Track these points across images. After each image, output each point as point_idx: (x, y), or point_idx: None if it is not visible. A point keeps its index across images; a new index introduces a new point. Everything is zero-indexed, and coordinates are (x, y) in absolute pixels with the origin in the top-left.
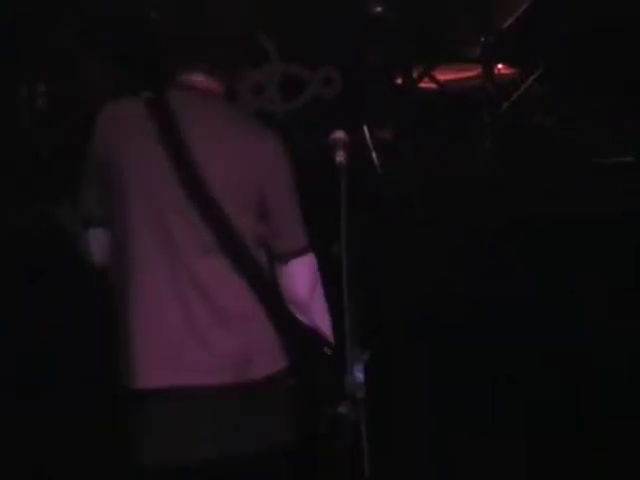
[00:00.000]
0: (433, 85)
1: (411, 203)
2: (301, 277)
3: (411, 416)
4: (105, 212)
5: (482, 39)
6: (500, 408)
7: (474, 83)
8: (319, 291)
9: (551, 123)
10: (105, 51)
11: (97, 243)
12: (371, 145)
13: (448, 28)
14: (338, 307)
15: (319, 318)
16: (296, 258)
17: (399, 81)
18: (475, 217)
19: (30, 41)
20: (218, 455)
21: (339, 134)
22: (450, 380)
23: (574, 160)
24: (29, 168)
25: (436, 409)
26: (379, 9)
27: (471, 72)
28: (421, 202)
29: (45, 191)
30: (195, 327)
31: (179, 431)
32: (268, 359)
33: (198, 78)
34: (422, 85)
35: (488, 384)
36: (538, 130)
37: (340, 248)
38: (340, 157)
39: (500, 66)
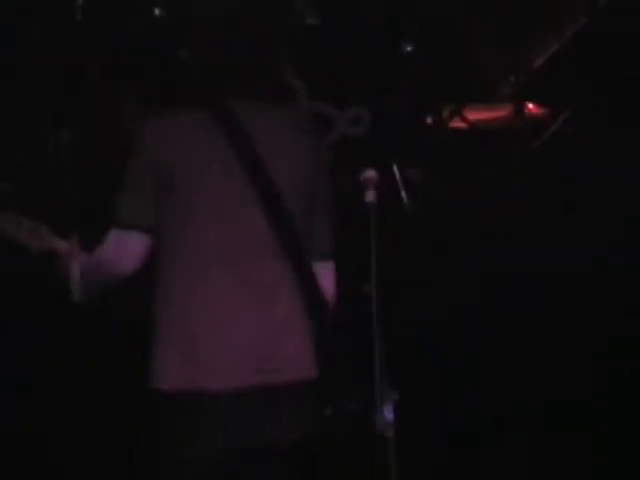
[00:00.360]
0: (464, 124)
1: (441, 242)
2: (325, 279)
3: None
4: (153, 219)
5: (513, 78)
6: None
7: (505, 122)
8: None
9: (580, 163)
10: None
11: (128, 249)
12: (401, 184)
13: (479, 67)
14: (368, 346)
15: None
16: (323, 261)
17: (429, 120)
18: (505, 256)
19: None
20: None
21: (369, 173)
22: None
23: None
24: (59, 216)
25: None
26: (409, 48)
27: (502, 111)
28: (451, 241)
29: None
30: (259, 329)
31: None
32: (310, 361)
33: None
34: (453, 124)
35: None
36: (569, 169)
37: (370, 288)
38: (370, 196)
39: (531, 106)
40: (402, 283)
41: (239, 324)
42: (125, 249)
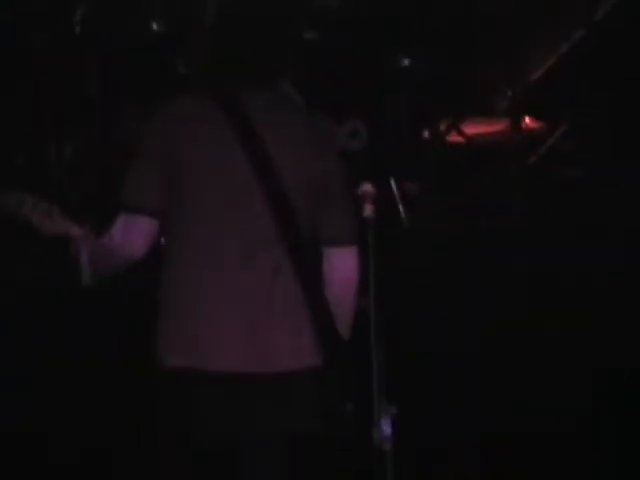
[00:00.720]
0: (461, 138)
1: (438, 256)
2: (343, 267)
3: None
4: (161, 203)
5: (510, 92)
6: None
7: (502, 137)
8: (354, 291)
9: (578, 177)
10: (131, 98)
11: (137, 232)
12: (399, 198)
13: (476, 81)
14: (366, 360)
15: (343, 317)
16: (342, 247)
17: (427, 134)
18: (502, 269)
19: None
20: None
21: (366, 187)
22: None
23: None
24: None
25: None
26: (407, 62)
27: (499, 126)
28: (448, 255)
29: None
30: (257, 316)
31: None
32: (307, 352)
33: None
34: (450, 138)
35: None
36: (565, 184)
37: (368, 302)
38: (367, 210)
39: (527, 119)
40: (400, 297)
41: (238, 310)
42: (133, 232)
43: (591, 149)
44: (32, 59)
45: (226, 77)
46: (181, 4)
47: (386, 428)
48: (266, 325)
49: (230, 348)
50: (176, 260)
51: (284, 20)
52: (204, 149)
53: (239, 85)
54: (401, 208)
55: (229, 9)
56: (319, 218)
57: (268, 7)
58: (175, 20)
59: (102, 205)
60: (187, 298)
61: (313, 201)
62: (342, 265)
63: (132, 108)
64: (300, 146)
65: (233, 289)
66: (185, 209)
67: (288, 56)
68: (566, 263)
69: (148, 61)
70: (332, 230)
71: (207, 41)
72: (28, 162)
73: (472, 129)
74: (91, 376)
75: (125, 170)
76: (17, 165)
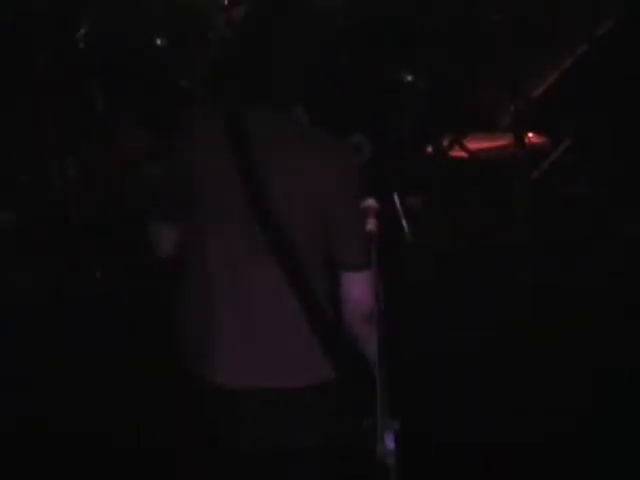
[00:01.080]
0: (464, 154)
1: (441, 270)
2: (353, 292)
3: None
4: (178, 212)
5: (513, 108)
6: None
7: (505, 152)
8: (363, 316)
9: (582, 192)
10: (137, 114)
11: (163, 236)
12: (401, 213)
13: (479, 96)
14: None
15: (363, 341)
16: (352, 271)
17: (430, 149)
18: (506, 284)
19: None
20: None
21: (369, 202)
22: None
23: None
24: (61, 235)
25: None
26: (410, 77)
27: (502, 141)
28: (450, 269)
29: (77, 257)
30: (262, 332)
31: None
32: (308, 368)
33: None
34: (454, 153)
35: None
36: (569, 199)
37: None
38: (370, 225)
39: (531, 135)
40: (403, 311)
41: (242, 326)
42: (156, 240)
43: (594, 164)
44: (34, 75)
45: (233, 92)
46: (183, 19)
47: (389, 443)
48: (272, 340)
49: (228, 362)
50: (188, 274)
51: (304, 46)
52: (205, 167)
53: (244, 101)
54: (404, 223)
55: (252, 27)
56: (327, 240)
57: (290, 31)
58: (177, 35)
59: (105, 221)
60: (192, 307)
61: (316, 220)
62: (350, 289)
63: (135, 123)
64: (299, 164)
65: (236, 307)
66: (194, 226)
67: (301, 81)
68: (567, 275)
69: (151, 75)
70: (338, 254)
71: (219, 55)
72: (31, 179)
73: (475, 144)
74: (91, 376)
75: (127, 185)
76: (20, 182)
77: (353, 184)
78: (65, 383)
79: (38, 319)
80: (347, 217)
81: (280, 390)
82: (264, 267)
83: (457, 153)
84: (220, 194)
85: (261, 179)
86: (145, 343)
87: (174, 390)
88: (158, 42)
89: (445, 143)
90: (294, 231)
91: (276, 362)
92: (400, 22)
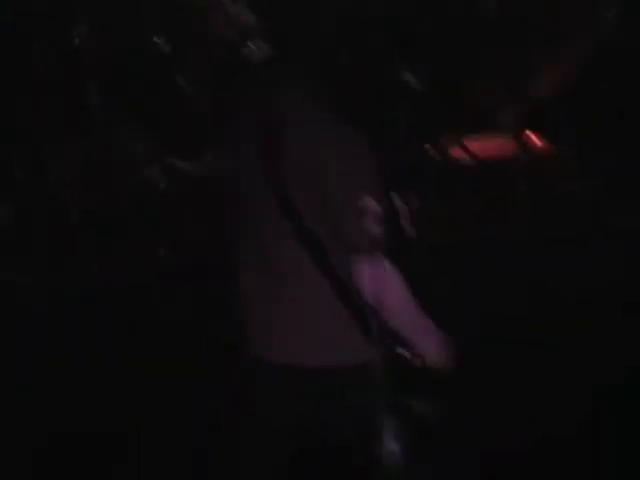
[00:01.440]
0: (463, 154)
1: (441, 269)
2: (362, 275)
3: None
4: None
5: (513, 108)
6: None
7: (504, 151)
8: (392, 297)
9: (584, 192)
10: (136, 112)
11: None
12: (400, 211)
13: (480, 96)
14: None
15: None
16: (357, 255)
17: (428, 148)
18: (507, 284)
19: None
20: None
21: (368, 200)
22: None
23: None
24: (59, 233)
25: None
26: (409, 75)
27: (501, 140)
28: (453, 268)
29: (77, 254)
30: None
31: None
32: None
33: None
34: (453, 153)
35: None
36: (571, 199)
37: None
38: (369, 223)
39: (530, 135)
40: None
41: (286, 310)
42: None
43: (594, 164)
44: (32, 73)
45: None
46: (183, 19)
47: (393, 445)
48: (304, 322)
49: (279, 343)
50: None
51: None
52: (238, 158)
53: (272, 86)
54: (402, 220)
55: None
56: (336, 225)
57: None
58: (177, 35)
59: (102, 220)
60: (244, 295)
61: (326, 204)
62: (357, 273)
63: (133, 123)
64: (316, 149)
65: (269, 294)
66: (236, 220)
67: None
68: (566, 272)
69: (149, 75)
70: (344, 238)
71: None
72: (28, 177)
73: (474, 144)
74: (91, 376)
75: (125, 185)
76: (17, 180)
77: (358, 167)
78: (65, 383)
79: (38, 319)
80: (351, 202)
81: (326, 369)
82: (295, 253)
83: (457, 153)
84: (250, 176)
85: (281, 158)
86: (145, 343)
87: (174, 390)
88: (156, 41)
89: (444, 143)
90: (316, 214)
91: (322, 342)
92: (400, 22)
